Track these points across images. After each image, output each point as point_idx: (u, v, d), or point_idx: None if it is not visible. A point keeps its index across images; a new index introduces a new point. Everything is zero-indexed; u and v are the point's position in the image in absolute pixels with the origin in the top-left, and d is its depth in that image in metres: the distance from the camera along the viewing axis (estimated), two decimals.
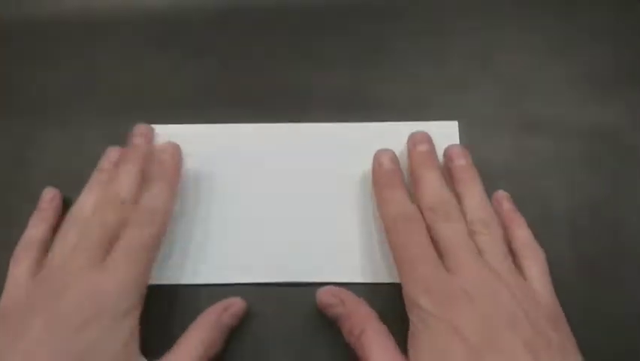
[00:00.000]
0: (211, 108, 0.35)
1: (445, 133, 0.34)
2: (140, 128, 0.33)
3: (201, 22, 0.39)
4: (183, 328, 0.28)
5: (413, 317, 0.26)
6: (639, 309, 0.30)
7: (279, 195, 0.33)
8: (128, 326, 0.26)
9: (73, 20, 0.39)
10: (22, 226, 0.31)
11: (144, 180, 0.30)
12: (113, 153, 0.33)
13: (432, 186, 0.30)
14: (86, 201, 0.30)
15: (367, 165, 0.32)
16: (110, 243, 0.27)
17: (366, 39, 0.38)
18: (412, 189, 0.31)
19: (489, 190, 0.33)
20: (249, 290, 0.31)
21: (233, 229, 0.32)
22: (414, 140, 0.32)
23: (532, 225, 0.32)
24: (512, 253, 0.29)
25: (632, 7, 0.38)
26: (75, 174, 0.32)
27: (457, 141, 0.34)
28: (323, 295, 0.29)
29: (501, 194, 0.32)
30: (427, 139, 0.32)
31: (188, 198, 0.33)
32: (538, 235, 0.31)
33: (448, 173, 0.31)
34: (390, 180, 0.31)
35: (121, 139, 0.34)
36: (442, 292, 0.25)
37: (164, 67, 0.37)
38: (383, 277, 0.31)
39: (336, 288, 0.29)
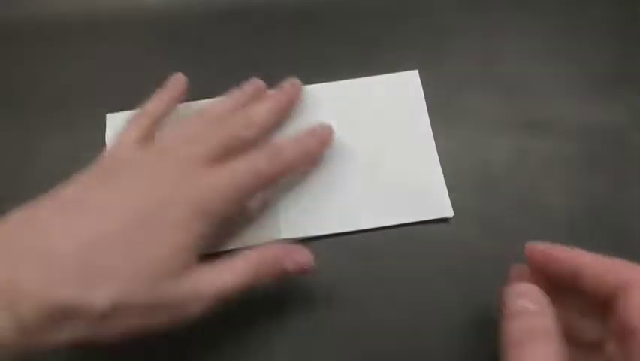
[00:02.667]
0: None
1: (407, 83, 0.36)
2: (292, 81, 0.34)
3: (201, 22, 0.39)
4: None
5: None
6: None
7: None
8: (201, 230, 0.26)
9: (74, 20, 0.39)
10: None
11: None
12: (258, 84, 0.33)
13: None
14: (218, 105, 0.30)
15: (337, 122, 0.33)
16: (225, 153, 0.28)
17: (366, 39, 0.38)
18: None
19: (489, 191, 0.33)
20: None
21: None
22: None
23: (531, 225, 0.32)
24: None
25: (633, 7, 0.38)
26: (75, 173, 0.32)
27: (421, 90, 0.35)
28: None
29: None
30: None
31: None
32: (538, 236, 0.31)
33: None
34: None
35: None
36: None
37: (164, 67, 0.37)
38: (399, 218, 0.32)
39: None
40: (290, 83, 0.33)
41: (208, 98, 0.36)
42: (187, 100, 0.36)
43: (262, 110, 0.30)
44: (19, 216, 0.24)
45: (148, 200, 0.25)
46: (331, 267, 0.31)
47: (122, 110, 0.35)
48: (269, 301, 0.31)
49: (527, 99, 0.35)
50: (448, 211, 0.32)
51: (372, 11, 0.38)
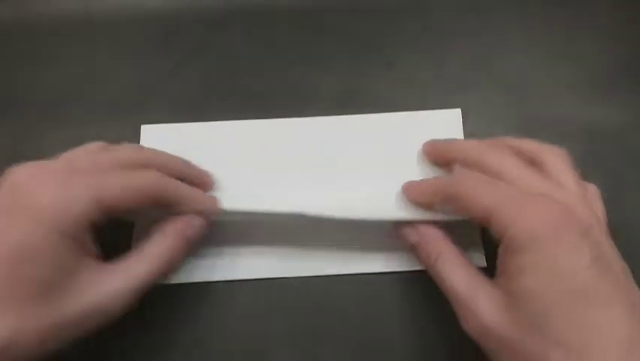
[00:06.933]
0: (211, 108, 0.35)
1: (448, 121, 0.34)
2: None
3: (201, 22, 0.39)
4: (194, 326, 0.29)
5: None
6: None
7: (285, 189, 0.32)
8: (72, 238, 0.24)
9: (73, 20, 0.39)
10: None
11: None
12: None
13: None
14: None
15: (369, 154, 0.33)
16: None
17: (366, 39, 0.38)
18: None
19: None
20: (256, 285, 0.31)
21: (243, 226, 0.32)
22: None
23: None
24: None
25: (633, 7, 0.38)
26: None
27: (461, 129, 0.34)
28: (397, 227, 0.29)
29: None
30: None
31: None
32: None
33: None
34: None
35: (121, 139, 0.34)
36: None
37: (164, 67, 0.37)
38: (401, 265, 0.31)
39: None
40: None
41: (207, 98, 0.36)
42: (187, 101, 0.36)
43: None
44: None
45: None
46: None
47: (121, 110, 0.36)
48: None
49: (527, 100, 0.35)
50: (481, 261, 0.31)
51: (373, 11, 0.38)
